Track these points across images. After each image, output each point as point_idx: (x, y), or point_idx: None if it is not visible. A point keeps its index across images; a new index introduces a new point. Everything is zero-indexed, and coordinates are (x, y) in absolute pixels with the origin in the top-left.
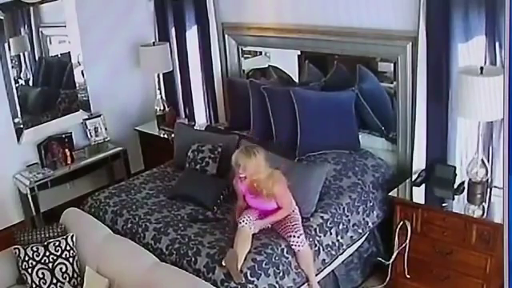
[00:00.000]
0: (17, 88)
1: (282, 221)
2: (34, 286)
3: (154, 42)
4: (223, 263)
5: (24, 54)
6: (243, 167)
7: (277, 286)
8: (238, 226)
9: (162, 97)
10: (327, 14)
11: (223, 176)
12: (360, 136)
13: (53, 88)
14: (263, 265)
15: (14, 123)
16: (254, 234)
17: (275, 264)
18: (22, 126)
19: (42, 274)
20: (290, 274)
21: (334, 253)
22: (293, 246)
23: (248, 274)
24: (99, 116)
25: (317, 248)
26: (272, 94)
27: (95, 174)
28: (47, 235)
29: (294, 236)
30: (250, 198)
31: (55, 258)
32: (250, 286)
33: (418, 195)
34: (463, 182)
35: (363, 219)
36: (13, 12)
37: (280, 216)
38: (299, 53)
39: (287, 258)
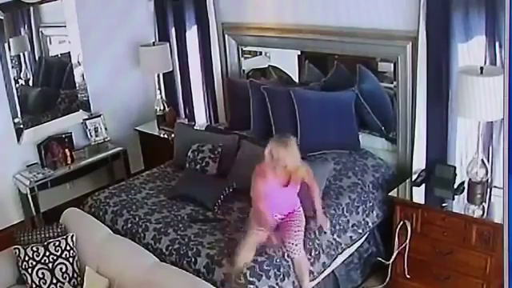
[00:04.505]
0: (17, 88)
1: (288, 224)
2: (34, 286)
3: (154, 42)
4: (233, 277)
5: (24, 54)
6: (283, 159)
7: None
8: (253, 230)
9: (162, 97)
10: (327, 14)
11: (223, 176)
12: (360, 136)
13: (53, 88)
14: (264, 266)
15: (14, 123)
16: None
17: (276, 266)
18: (22, 126)
19: (42, 273)
20: (290, 276)
21: (333, 253)
22: (288, 252)
23: (248, 275)
24: (99, 116)
25: (317, 251)
26: (272, 94)
27: (95, 174)
28: (47, 235)
29: (293, 244)
30: (279, 192)
31: (55, 257)
32: (251, 286)
33: (418, 195)
34: (463, 182)
35: (363, 219)
36: (13, 12)
37: (319, 197)
38: (299, 53)
39: (287, 261)
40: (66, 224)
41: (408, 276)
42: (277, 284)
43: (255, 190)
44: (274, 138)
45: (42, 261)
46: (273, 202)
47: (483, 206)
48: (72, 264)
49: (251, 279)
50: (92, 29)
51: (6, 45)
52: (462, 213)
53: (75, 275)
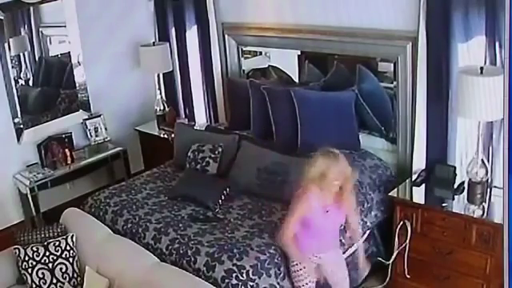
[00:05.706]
0: (17, 88)
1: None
2: (34, 286)
3: (154, 42)
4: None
5: (24, 54)
6: (334, 177)
7: (277, 286)
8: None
9: (162, 97)
10: (327, 14)
11: (223, 176)
12: (360, 136)
13: (53, 88)
14: (266, 264)
15: (14, 123)
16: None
17: (277, 265)
18: (21, 126)
19: (42, 273)
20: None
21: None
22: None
23: (250, 273)
24: (99, 116)
25: None
26: (272, 94)
27: (95, 174)
28: (47, 235)
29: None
30: (323, 220)
31: (55, 257)
32: (251, 283)
33: (418, 195)
34: (463, 182)
35: (362, 219)
36: (13, 12)
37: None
38: (299, 53)
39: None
40: (66, 224)
41: (408, 276)
42: (278, 283)
43: (292, 218)
44: (320, 151)
45: (42, 261)
46: (314, 233)
47: (483, 206)
48: (72, 264)
49: (253, 277)
50: (92, 29)
51: (6, 45)
52: (462, 213)
53: (75, 275)
